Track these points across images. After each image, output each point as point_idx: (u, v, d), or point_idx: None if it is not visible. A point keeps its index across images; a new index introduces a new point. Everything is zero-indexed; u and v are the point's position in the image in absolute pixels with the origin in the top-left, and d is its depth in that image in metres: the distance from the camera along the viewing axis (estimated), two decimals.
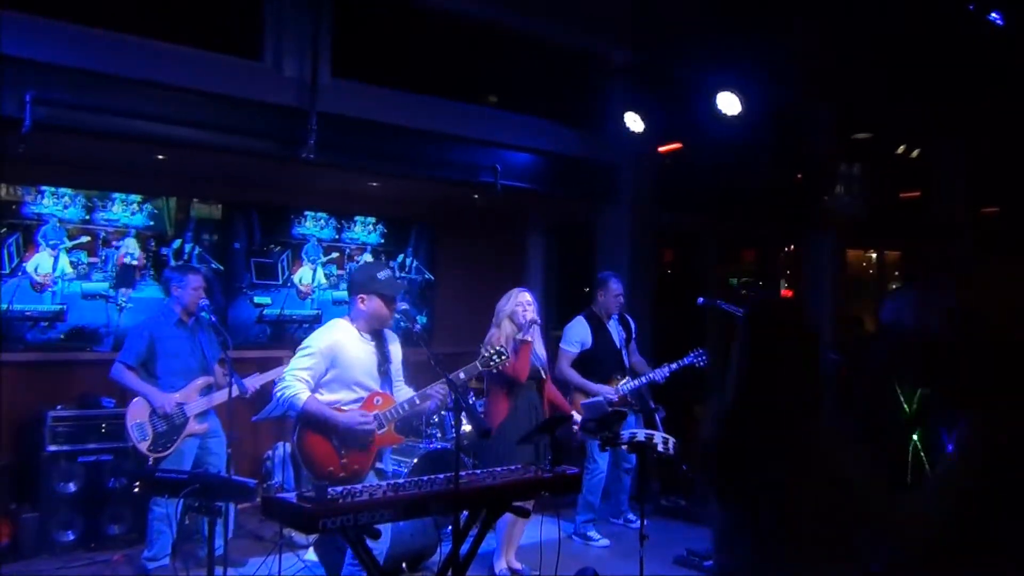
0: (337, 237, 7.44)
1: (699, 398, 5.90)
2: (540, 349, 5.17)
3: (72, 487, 5.41)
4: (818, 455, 1.90)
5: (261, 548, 5.38)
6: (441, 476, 3.56)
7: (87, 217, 6.14)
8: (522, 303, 4.99)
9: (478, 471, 3.94)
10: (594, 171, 7.44)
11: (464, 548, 3.50)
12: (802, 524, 1.90)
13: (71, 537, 5.37)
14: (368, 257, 7.57)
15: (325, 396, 3.97)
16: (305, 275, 7.25)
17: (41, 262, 5.95)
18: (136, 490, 5.36)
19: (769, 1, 6.27)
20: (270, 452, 6.40)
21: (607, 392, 5.74)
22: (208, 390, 5.12)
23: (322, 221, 7.33)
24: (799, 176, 8.47)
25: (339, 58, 5.89)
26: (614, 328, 6.06)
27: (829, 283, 8.69)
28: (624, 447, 4.67)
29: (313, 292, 7.29)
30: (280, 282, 7.11)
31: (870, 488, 1.87)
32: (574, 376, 5.87)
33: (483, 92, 6.98)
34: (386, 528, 3.81)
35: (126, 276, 6.29)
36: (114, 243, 6.24)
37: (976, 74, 6.54)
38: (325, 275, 7.35)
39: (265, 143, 5.67)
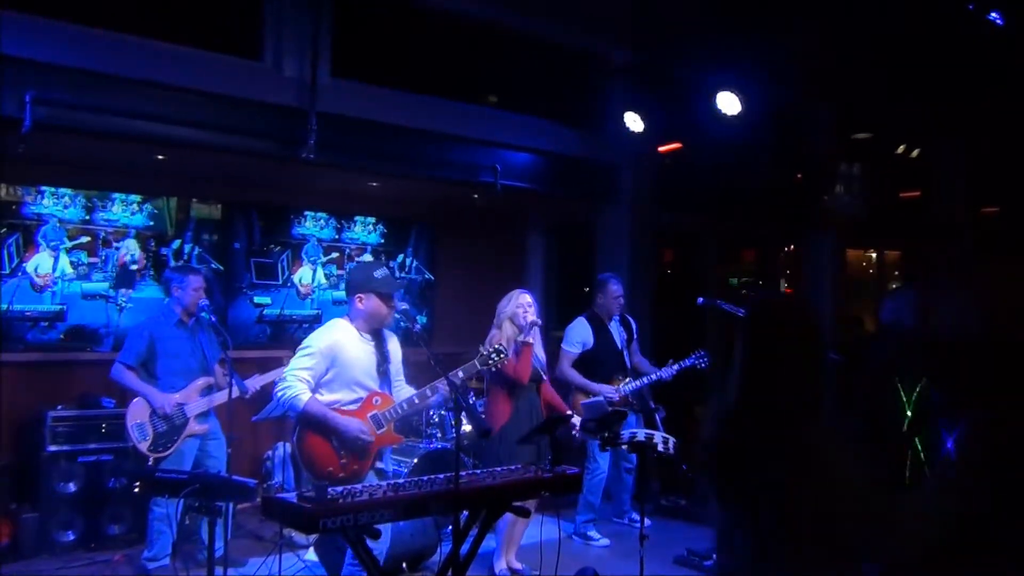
0: (337, 237, 7.44)
1: (699, 398, 5.90)
2: (540, 351, 5.17)
3: (72, 487, 5.41)
4: (818, 455, 1.90)
5: (261, 548, 5.38)
6: (441, 476, 3.56)
7: (87, 217, 6.14)
8: (523, 305, 4.99)
9: (478, 471, 3.94)
10: (594, 171, 7.44)
11: (464, 548, 3.50)
12: (802, 524, 1.90)
13: (71, 537, 5.37)
14: (368, 257, 7.57)
15: (325, 396, 3.98)
16: (305, 275, 7.25)
17: (41, 262, 5.95)
18: (136, 490, 5.36)
19: (769, 1, 6.27)
20: (270, 452, 6.40)
21: (608, 392, 5.74)
22: (208, 390, 5.12)
23: (322, 221, 7.33)
24: (799, 176, 8.46)
25: (339, 58, 5.89)
26: (615, 329, 6.06)
27: (829, 283, 8.69)
28: (624, 447, 4.67)
29: (313, 292, 7.29)
30: (280, 282, 7.12)
31: (869, 489, 1.87)
32: (575, 376, 5.87)
33: (483, 92, 6.98)
34: (386, 528, 3.81)
35: (126, 276, 6.29)
36: (114, 243, 6.25)
37: (976, 74, 6.54)
38: (325, 275, 7.35)
39: (265, 143, 5.67)
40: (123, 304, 6.27)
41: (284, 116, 5.61)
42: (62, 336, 6.05)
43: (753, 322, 2.09)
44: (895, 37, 6.39)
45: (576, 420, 5.16)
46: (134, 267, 6.32)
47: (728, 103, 6.10)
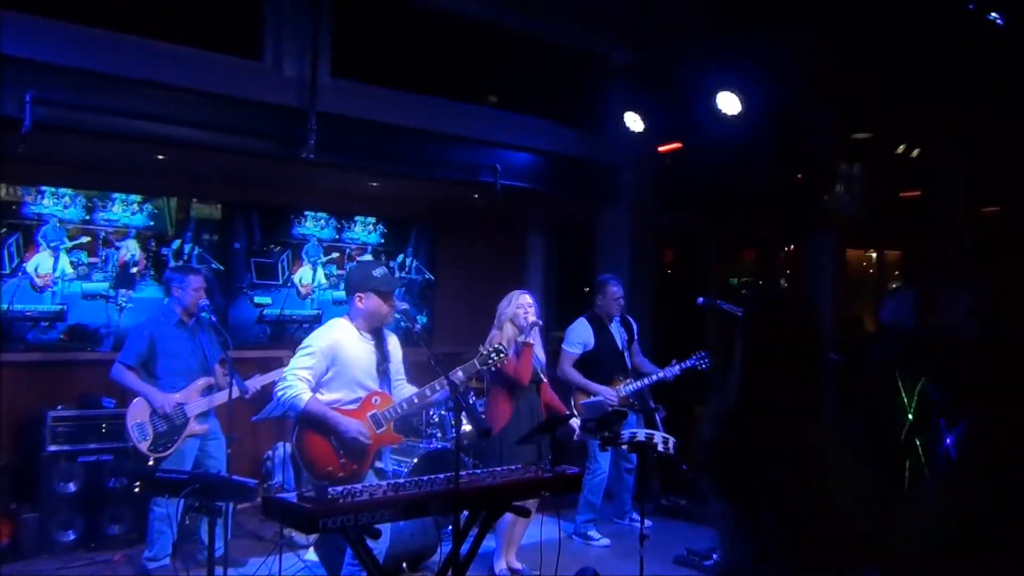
0: (337, 237, 7.44)
1: (699, 398, 5.90)
2: (540, 352, 5.17)
3: (72, 487, 5.41)
4: (818, 455, 1.90)
5: (261, 548, 5.38)
6: (441, 476, 3.56)
7: (87, 217, 6.14)
8: (523, 306, 4.99)
9: (478, 471, 3.94)
10: (594, 171, 7.44)
11: (464, 548, 3.50)
12: (802, 524, 1.90)
13: (71, 537, 5.37)
14: (368, 257, 7.57)
15: (324, 395, 3.98)
16: (305, 275, 7.25)
17: (41, 262, 5.95)
18: (136, 490, 5.36)
19: (769, 1, 6.27)
20: (270, 452, 6.40)
21: (609, 394, 5.75)
22: (209, 391, 5.12)
23: (322, 221, 7.33)
24: (799, 176, 8.46)
25: (339, 58, 5.89)
26: (616, 330, 6.06)
27: (829, 283, 8.69)
28: (624, 447, 4.67)
29: (313, 292, 7.29)
30: (280, 282, 7.12)
31: (869, 489, 1.87)
32: (576, 377, 5.87)
33: (483, 92, 6.98)
34: (385, 528, 3.81)
35: (126, 276, 6.29)
36: (114, 243, 6.25)
37: (976, 74, 6.54)
38: (325, 275, 7.35)
39: (265, 143, 5.67)
40: (123, 304, 6.27)
41: (284, 116, 5.61)
42: (62, 336, 6.05)
43: (752, 321, 2.09)
44: (895, 37, 6.39)
45: (575, 422, 5.17)
46: (134, 267, 6.32)
47: (728, 103, 6.10)
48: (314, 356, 3.96)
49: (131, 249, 6.32)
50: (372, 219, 7.63)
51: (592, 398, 5.71)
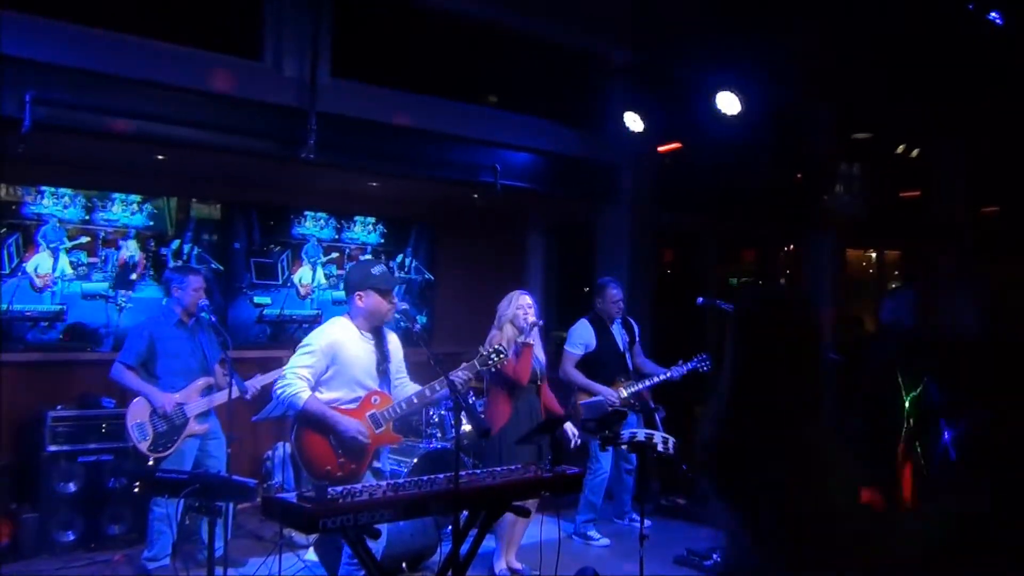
0: (337, 237, 7.44)
1: (699, 398, 5.91)
2: (540, 353, 5.17)
3: (72, 487, 5.40)
4: (818, 455, 1.90)
5: (261, 548, 5.38)
6: (441, 476, 3.56)
7: (87, 217, 6.14)
8: (523, 306, 4.99)
9: (478, 471, 3.94)
10: (594, 171, 7.44)
11: (464, 548, 3.50)
12: (802, 524, 1.90)
13: (71, 537, 5.37)
14: (368, 257, 7.57)
15: (324, 394, 3.98)
16: (305, 275, 7.25)
17: (41, 262, 5.95)
18: (136, 490, 5.36)
19: (769, 1, 6.27)
20: (270, 452, 6.40)
21: (611, 395, 5.75)
22: (209, 390, 5.12)
23: (322, 221, 7.33)
24: (799, 176, 8.46)
25: (339, 58, 5.89)
26: (617, 331, 6.06)
27: (829, 283, 8.69)
28: (624, 447, 4.67)
29: (313, 292, 7.29)
30: (280, 282, 7.12)
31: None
32: (578, 377, 5.87)
33: (483, 92, 6.98)
34: (382, 527, 3.81)
35: (126, 276, 6.29)
36: (114, 243, 6.25)
37: (976, 74, 6.54)
38: (325, 275, 7.36)
39: (265, 143, 5.67)
40: (123, 304, 6.27)
41: (284, 116, 5.61)
42: (62, 336, 6.05)
43: (751, 320, 2.09)
44: (895, 37, 6.38)
45: (570, 428, 5.17)
46: (134, 268, 6.32)
47: (728, 103, 6.10)
48: (314, 355, 3.96)
49: (131, 249, 6.32)
50: (372, 219, 7.63)
51: (593, 398, 5.72)
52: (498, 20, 6.60)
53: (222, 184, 6.73)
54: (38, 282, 5.94)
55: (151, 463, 4.89)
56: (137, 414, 4.93)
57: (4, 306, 5.80)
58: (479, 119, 6.72)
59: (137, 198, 6.35)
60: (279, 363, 4.94)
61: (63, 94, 4.84)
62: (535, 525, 4.61)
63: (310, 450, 3.92)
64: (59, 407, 5.54)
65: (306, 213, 7.24)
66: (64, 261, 6.04)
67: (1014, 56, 5.91)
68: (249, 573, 4.78)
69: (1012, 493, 1.89)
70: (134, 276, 6.32)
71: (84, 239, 6.12)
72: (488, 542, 4.27)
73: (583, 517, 5.98)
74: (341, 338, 4.03)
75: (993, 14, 5.42)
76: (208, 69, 5.37)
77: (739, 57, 6.20)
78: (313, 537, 4.74)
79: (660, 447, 4.48)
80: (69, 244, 6.06)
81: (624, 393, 5.83)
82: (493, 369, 4.43)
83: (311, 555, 4.96)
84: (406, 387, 4.23)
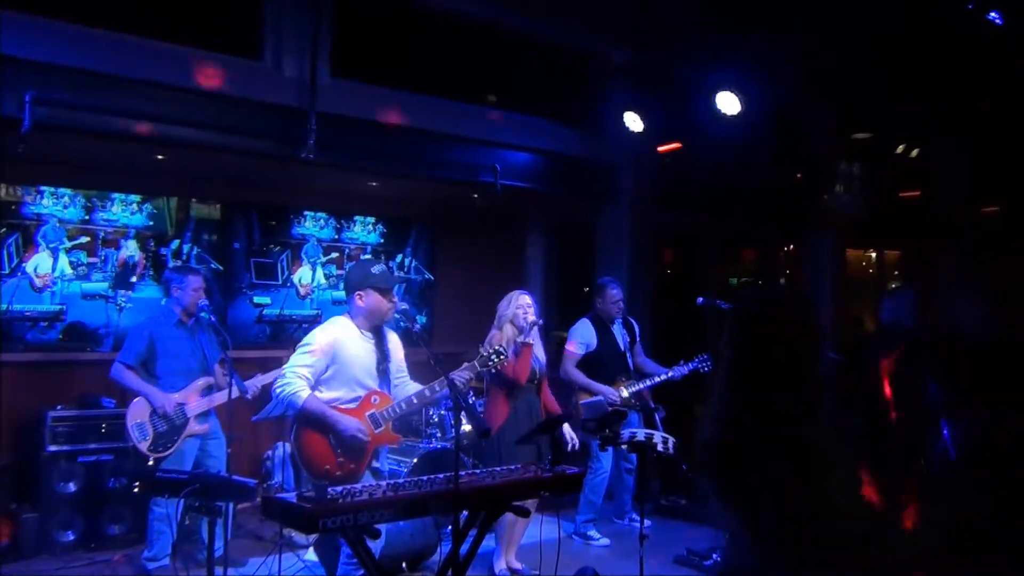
0: (337, 237, 7.44)
1: (699, 398, 5.90)
2: (540, 352, 5.17)
3: (72, 487, 5.40)
4: (818, 455, 1.90)
5: (261, 548, 5.38)
6: (441, 476, 3.56)
7: (87, 217, 6.14)
8: (523, 306, 4.99)
9: (478, 471, 3.94)
10: (594, 171, 7.44)
11: (464, 548, 3.50)
12: (802, 524, 1.90)
13: (71, 537, 5.36)
14: (368, 256, 7.57)
15: (324, 393, 3.98)
16: (305, 275, 7.25)
17: (41, 262, 5.95)
18: (136, 490, 5.35)
19: (769, 1, 6.27)
20: (270, 452, 6.40)
21: (612, 395, 5.75)
22: (209, 390, 5.12)
23: (322, 221, 7.33)
24: (799, 176, 8.47)
25: (339, 58, 5.89)
26: (618, 331, 6.06)
27: (829, 283, 8.70)
28: (624, 447, 4.67)
29: (313, 292, 7.29)
30: (280, 282, 7.11)
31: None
32: (579, 376, 5.87)
33: (483, 92, 6.98)
34: (382, 526, 3.81)
35: (126, 276, 6.29)
36: (114, 243, 6.24)
37: (976, 74, 6.54)
38: (325, 275, 7.35)
39: (265, 143, 5.67)
40: (123, 304, 6.27)
41: (284, 116, 5.61)
42: (62, 336, 6.05)
43: (751, 320, 2.09)
44: (895, 37, 6.39)
45: (567, 430, 5.17)
46: (134, 268, 6.32)
47: (728, 103, 6.11)
48: (314, 354, 3.96)
49: (130, 249, 6.32)
50: (372, 219, 7.63)
51: (593, 398, 5.72)
52: (498, 20, 6.60)
53: (222, 184, 6.73)
54: (38, 282, 5.94)
55: (151, 463, 4.89)
56: (137, 414, 4.93)
57: (4, 306, 5.80)
58: (479, 119, 6.72)
59: (137, 198, 6.35)
60: (279, 363, 4.94)
61: (63, 94, 4.84)
62: (535, 525, 4.61)
63: (309, 449, 3.92)
64: (59, 407, 5.54)
65: (306, 213, 7.24)
66: (64, 261, 6.04)
67: (1014, 56, 5.92)
68: (249, 573, 4.78)
69: (1012, 493, 1.89)
70: (134, 276, 6.32)
71: (84, 239, 6.12)
72: (488, 542, 4.27)
73: (583, 517, 5.98)
74: (341, 337, 4.03)
75: (993, 14, 5.42)
76: (208, 69, 5.37)
77: (739, 57, 6.20)
78: (313, 537, 4.74)
79: (660, 447, 4.48)
80: (69, 244, 6.06)
81: (625, 393, 5.84)
82: (493, 370, 4.43)
83: (311, 555, 4.96)
84: (407, 387, 4.23)
